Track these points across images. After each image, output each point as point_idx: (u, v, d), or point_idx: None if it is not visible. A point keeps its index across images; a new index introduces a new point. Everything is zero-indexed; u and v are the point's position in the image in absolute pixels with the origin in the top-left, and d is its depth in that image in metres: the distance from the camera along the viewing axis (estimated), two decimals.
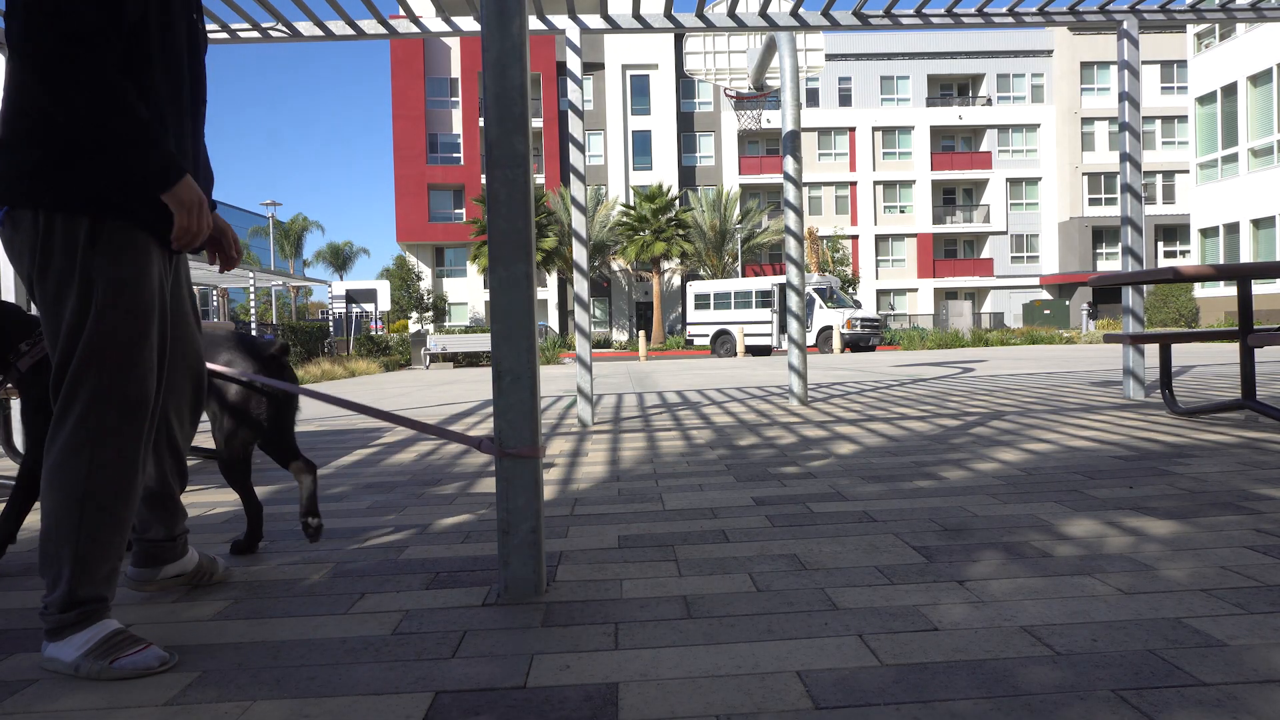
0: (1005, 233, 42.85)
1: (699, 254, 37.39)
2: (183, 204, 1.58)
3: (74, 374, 1.53)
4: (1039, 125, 42.75)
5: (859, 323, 23.88)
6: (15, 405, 5.06)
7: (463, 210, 40.60)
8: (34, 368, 2.14)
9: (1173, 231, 40.53)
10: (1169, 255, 40.45)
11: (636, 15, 5.58)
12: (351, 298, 23.96)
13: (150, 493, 1.82)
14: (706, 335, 25.55)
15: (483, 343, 21.39)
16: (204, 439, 5.47)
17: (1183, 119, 40.18)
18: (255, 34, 5.50)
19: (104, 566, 1.56)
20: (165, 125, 1.63)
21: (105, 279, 1.53)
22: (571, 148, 5.63)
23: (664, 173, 41.08)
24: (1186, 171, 39.24)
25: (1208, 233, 24.12)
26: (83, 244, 1.52)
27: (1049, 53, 42.67)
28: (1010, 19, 5.84)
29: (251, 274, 20.37)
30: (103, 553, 1.55)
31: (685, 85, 41.60)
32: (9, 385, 2.20)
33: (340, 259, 54.09)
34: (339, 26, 5.52)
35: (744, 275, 38.38)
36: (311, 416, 7.07)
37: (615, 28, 5.59)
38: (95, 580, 1.54)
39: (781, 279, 24.05)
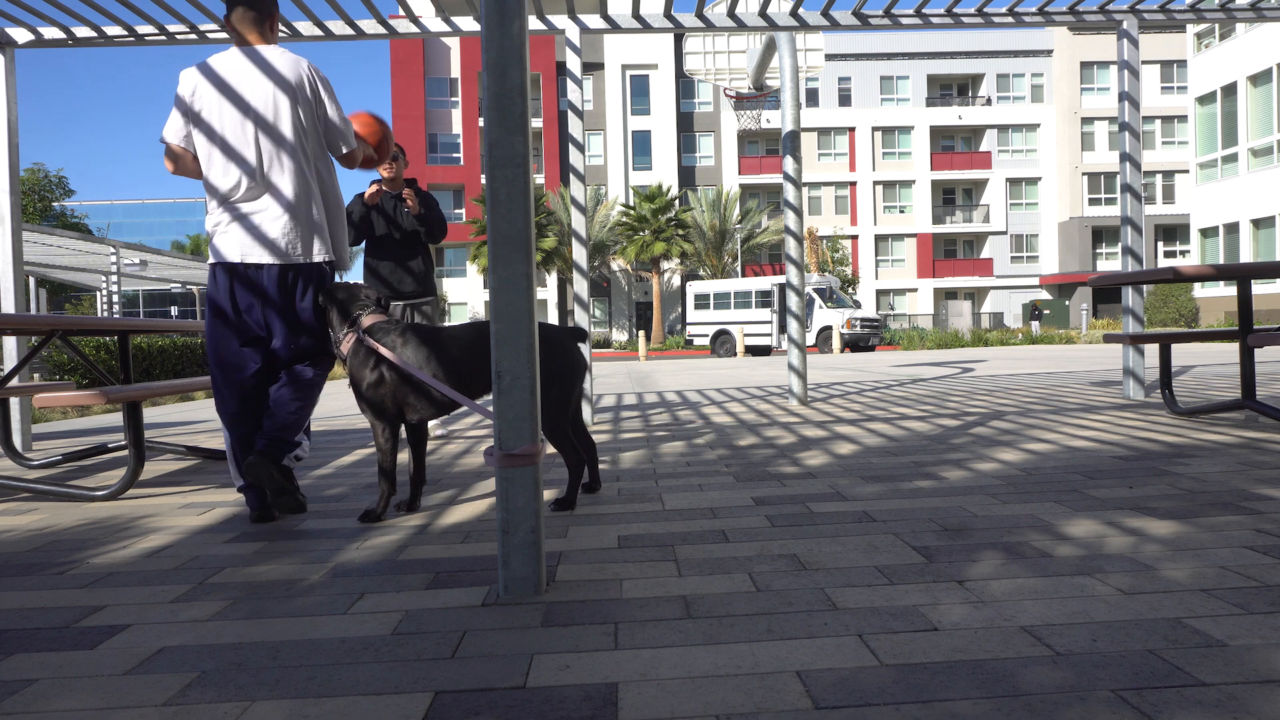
0: (1005, 233, 42.85)
1: (699, 254, 37.39)
2: None
3: None
4: (1039, 125, 42.75)
5: (859, 323, 23.87)
6: (15, 404, 5.05)
7: (463, 210, 40.60)
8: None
9: (1173, 231, 40.55)
10: (1169, 255, 40.46)
11: (636, 15, 5.58)
12: None
13: None
14: (706, 335, 25.55)
15: None
16: (205, 439, 5.47)
17: (1183, 119, 40.20)
18: None
19: None
20: None
21: None
22: (571, 148, 5.63)
23: (664, 173, 41.07)
24: (1186, 171, 39.29)
25: (1208, 233, 24.12)
26: None
27: (1049, 53, 42.68)
28: (1010, 19, 5.85)
29: None
30: None
31: (685, 85, 41.61)
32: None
33: None
34: (339, 26, 5.53)
35: (744, 275, 38.40)
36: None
37: (615, 28, 5.59)
38: None
39: (781, 279, 24.06)
